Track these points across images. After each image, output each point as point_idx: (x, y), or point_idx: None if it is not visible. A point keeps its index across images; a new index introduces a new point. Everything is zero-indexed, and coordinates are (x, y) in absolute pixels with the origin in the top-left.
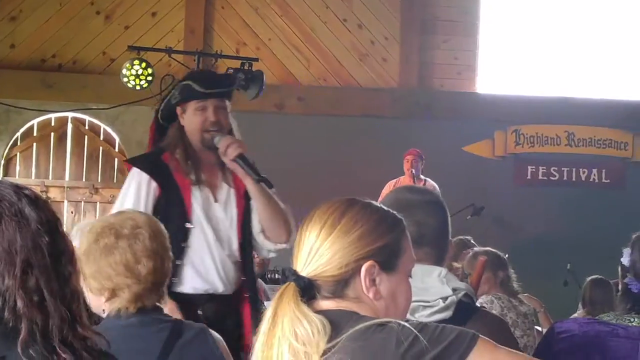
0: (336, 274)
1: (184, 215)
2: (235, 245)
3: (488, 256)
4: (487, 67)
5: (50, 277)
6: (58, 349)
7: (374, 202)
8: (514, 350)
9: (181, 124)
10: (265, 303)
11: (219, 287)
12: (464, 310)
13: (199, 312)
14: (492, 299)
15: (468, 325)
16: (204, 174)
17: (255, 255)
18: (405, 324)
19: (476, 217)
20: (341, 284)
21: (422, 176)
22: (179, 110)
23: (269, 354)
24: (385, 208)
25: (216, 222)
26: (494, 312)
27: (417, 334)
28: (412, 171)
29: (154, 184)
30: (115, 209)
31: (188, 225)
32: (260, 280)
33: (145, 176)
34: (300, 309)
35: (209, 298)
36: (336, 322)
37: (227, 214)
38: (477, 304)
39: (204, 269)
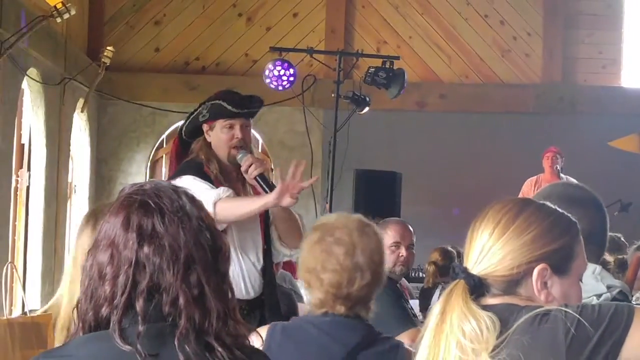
0: (507, 274)
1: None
2: (260, 253)
3: None
4: (632, 61)
5: (210, 273)
6: (212, 345)
7: (548, 204)
8: None
9: (207, 140)
10: (411, 302)
11: (243, 293)
12: None
13: None
14: None
15: None
16: (230, 187)
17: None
18: (567, 309)
19: (624, 214)
20: (512, 284)
21: (561, 174)
22: (205, 127)
23: (436, 350)
24: (560, 210)
25: (243, 231)
26: None
27: (580, 317)
28: (556, 168)
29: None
30: (214, 195)
31: None
32: (404, 279)
33: (208, 185)
34: (468, 306)
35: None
36: (502, 316)
37: (252, 223)
38: (633, 302)
39: (232, 276)
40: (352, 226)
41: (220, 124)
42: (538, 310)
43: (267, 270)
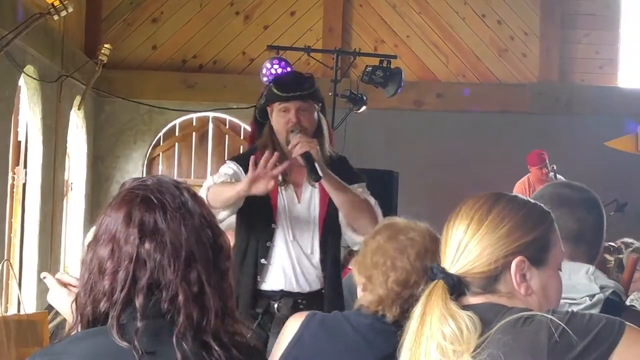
0: (485, 270)
1: (270, 215)
2: (316, 244)
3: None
4: (629, 61)
5: (210, 271)
6: (210, 343)
7: (520, 196)
8: None
9: (271, 123)
10: None
11: (295, 285)
12: (612, 309)
13: (275, 308)
14: None
15: None
16: (290, 174)
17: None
18: (553, 316)
19: (619, 213)
20: (491, 280)
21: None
22: (268, 110)
23: (417, 352)
24: (532, 201)
25: (297, 222)
26: None
27: (565, 326)
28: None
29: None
30: (210, 181)
31: (273, 226)
32: None
33: (240, 170)
34: (448, 308)
35: (285, 294)
36: (485, 317)
37: (310, 213)
38: (627, 303)
39: (283, 268)
40: (424, 231)
41: (276, 107)
42: (524, 313)
43: (328, 263)
